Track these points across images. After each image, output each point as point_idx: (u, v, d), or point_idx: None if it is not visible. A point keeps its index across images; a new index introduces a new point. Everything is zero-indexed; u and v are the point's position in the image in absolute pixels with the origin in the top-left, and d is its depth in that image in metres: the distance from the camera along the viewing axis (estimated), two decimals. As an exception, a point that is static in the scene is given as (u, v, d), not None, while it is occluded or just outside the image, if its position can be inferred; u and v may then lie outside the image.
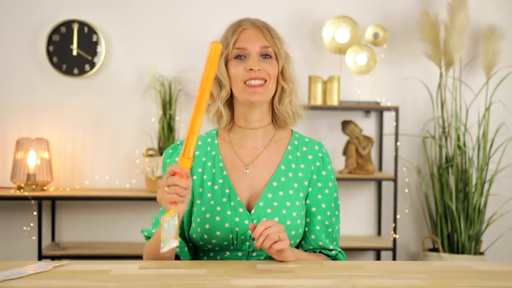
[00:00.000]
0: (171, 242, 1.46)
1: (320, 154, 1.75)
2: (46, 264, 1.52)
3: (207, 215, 1.65)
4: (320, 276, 1.47)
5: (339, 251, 1.75)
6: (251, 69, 1.64)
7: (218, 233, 1.63)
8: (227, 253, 1.67)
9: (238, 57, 1.67)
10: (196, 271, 1.49)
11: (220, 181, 1.69)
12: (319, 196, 1.72)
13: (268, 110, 1.73)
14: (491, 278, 1.49)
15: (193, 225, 1.66)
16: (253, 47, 1.65)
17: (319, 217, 1.71)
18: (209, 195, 1.68)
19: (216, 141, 1.75)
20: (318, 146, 1.77)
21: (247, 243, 1.65)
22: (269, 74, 1.65)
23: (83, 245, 3.62)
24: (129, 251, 3.48)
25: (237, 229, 1.63)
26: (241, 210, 1.65)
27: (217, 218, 1.64)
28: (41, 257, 3.43)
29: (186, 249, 1.69)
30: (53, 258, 3.46)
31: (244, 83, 1.65)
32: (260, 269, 1.53)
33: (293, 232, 1.66)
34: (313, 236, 1.71)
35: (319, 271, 1.53)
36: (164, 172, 1.62)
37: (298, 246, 1.74)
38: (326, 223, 1.72)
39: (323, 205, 1.72)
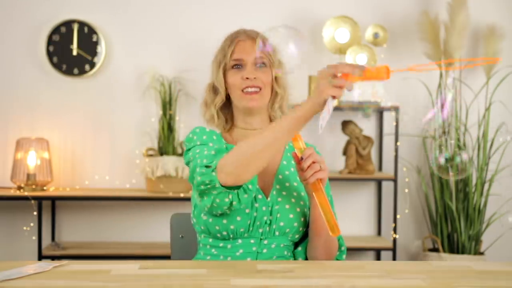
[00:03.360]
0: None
1: None
2: (46, 264, 1.53)
3: None
4: (320, 276, 1.47)
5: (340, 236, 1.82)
6: (247, 78, 1.77)
7: (238, 218, 1.70)
8: (239, 240, 1.73)
9: (235, 66, 1.80)
10: (196, 271, 1.50)
11: None
12: None
13: (267, 116, 1.85)
14: (491, 278, 1.49)
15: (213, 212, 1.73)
16: (249, 57, 1.79)
17: None
18: None
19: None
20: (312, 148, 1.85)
21: (260, 230, 1.72)
22: (264, 82, 1.79)
23: (83, 245, 3.62)
24: (129, 251, 3.47)
25: (255, 214, 1.71)
26: (260, 196, 1.74)
27: None
28: (41, 257, 3.43)
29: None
30: (53, 258, 3.45)
31: (242, 91, 1.78)
32: (260, 269, 1.53)
33: (302, 219, 1.75)
34: None
35: (319, 271, 1.53)
36: (191, 141, 1.73)
37: (304, 237, 1.81)
38: None
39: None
